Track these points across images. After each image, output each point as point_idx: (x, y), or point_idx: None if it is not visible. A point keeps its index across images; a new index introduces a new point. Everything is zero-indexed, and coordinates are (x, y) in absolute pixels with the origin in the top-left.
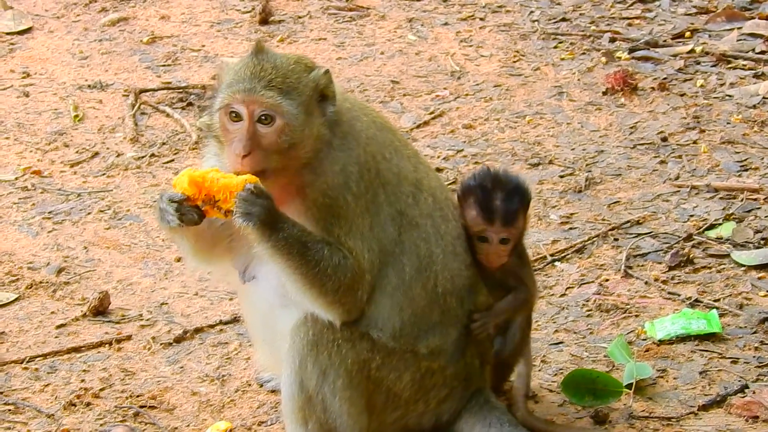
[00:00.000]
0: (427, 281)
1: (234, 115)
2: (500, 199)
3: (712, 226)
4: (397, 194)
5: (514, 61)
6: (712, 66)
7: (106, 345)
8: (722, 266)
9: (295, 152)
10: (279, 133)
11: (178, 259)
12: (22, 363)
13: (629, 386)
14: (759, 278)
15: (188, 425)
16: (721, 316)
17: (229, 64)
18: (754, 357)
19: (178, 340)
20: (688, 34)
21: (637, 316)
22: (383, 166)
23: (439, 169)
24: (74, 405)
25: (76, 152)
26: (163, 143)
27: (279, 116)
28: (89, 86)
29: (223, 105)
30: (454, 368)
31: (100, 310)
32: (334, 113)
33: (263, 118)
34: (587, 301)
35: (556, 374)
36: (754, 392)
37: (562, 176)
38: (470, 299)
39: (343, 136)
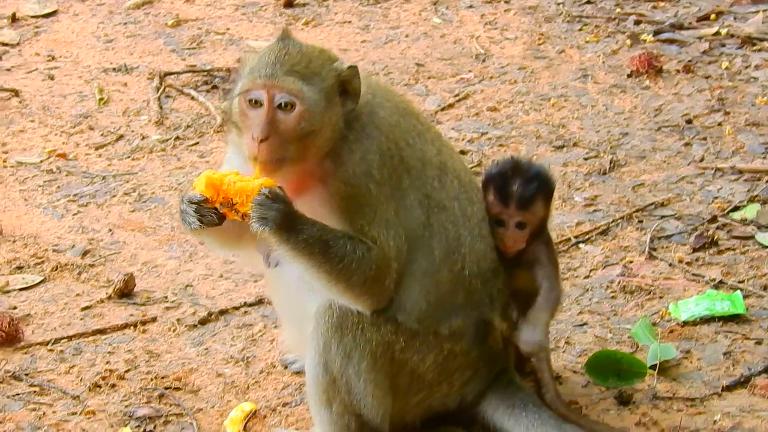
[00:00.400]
0: (455, 264)
1: (253, 101)
2: (518, 183)
3: (736, 208)
4: (423, 179)
5: (539, 44)
6: (737, 48)
7: (131, 327)
8: (746, 248)
9: (313, 141)
10: (298, 119)
11: (203, 242)
12: (47, 345)
13: (653, 367)
14: None
15: (213, 406)
16: (745, 297)
17: (254, 50)
18: None
19: (203, 321)
20: (713, 16)
21: (661, 297)
22: (407, 153)
23: (463, 152)
24: (99, 386)
25: (101, 135)
26: (188, 126)
27: (299, 102)
28: (114, 69)
29: (244, 90)
30: (477, 351)
31: (125, 293)
32: (361, 101)
33: (283, 104)
34: (611, 282)
35: (580, 355)
36: None
37: (586, 158)
38: (494, 281)
39: (365, 125)
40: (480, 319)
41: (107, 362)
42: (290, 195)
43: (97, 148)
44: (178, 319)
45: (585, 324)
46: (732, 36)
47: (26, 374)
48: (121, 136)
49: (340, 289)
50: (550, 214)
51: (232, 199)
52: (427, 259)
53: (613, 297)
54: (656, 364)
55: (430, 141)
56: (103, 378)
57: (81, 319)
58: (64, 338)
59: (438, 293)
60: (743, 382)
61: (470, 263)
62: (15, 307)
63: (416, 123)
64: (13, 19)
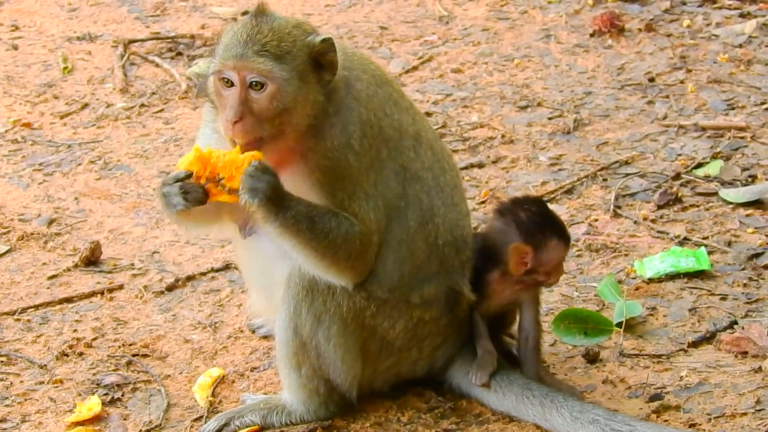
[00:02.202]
0: (429, 234)
1: (226, 80)
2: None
3: (699, 165)
4: (399, 149)
5: (502, 5)
6: (698, 6)
7: (98, 295)
8: (710, 204)
9: (288, 118)
10: (270, 98)
11: (180, 226)
12: (14, 314)
13: (619, 324)
14: (747, 215)
15: (181, 373)
16: (709, 253)
17: (221, 17)
18: (742, 293)
19: (170, 288)
20: None
21: (626, 255)
22: (385, 123)
23: (428, 114)
24: (67, 355)
25: (66, 104)
26: (153, 93)
27: (270, 82)
28: (78, 38)
29: (216, 70)
30: (447, 318)
31: (92, 260)
32: (337, 73)
33: (254, 84)
34: (577, 241)
35: (546, 314)
36: (743, 328)
37: (550, 118)
38: (465, 249)
39: (343, 97)
40: (450, 288)
41: (74, 330)
42: (278, 169)
43: (62, 117)
44: (145, 286)
45: None
46: None
47: None
48: (85, 105)
49: (326, 264)
50: None
51: (219, 174)
52: (402, 229)
53: (578, 255)
54: (622, 322)
55: (405, 109)
56: (71, 346)
57: (48, 288)
58: (30, 307)
59: (413, 263)
60: (709, 338)
61: (444, 232)
62: None
63: (392, 91)
64: None
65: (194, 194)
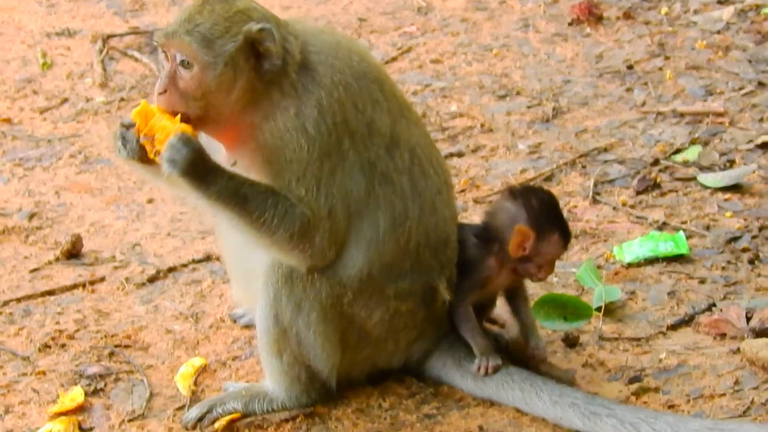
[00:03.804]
0: (401, 236)
1: (165, 53)
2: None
3: (678, 151)
4: (367, 144)
5: None
6: None
7: (80, 287)
8: (689, 189)
9: (213, 101)
10: (194, 79)
11: (150, 201)
12: None
13: (599, 309)
14: (725, 200)
15: (163, 363)
16: (688, 237)
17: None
18: (721, 276)
19: (152, 279)
20: None
21: (605, 240)
22: (351, 115)
23: None
24: (49, 347)
25: (46, 99)
26: (132, 87)
27: (195, 63)
28: (57, 33)
29: (154, 43)
30: (423, 312)
31: (73, 253)
32: (279, 62)
33: (183, 62)
34: None
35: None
36: (721, 310)
37: (529, 107)
38: (444, 251)
39: (298, 81)
40: (427, 283)
41: (57, 323)
42: (227, 147)
43: (41, 112)
44: (126, 278)
45: None
46: None
47: None
48: (65, 100)
49: (267, 243)
50: None
51: (155, 134)
52: (371, 229)
53: None
54: (602, 306)
55: (386, 111)
56: (53, 338)
57: (29, 281)
58: (12, 300)
59: (382, 261)
60: (687, 321)
61: (417, 236)
62: None
63: (374, 89)
64: None
65: (130, 146)
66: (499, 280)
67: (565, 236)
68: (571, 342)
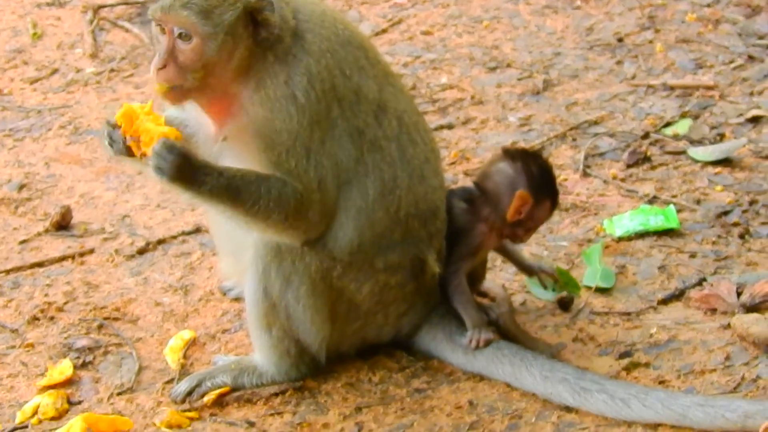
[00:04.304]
0: (390, 205)
1: (161, 28)
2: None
3: (668, 124)
4: (355, 111)
5: None
6: None
7: (69, 259)
8: (679, 163)
9: (213, 70)
10: (194, 50)
11: (140, 172)
12: None
13: (588, 287)
14: (715, 173)
15: (152, 335)
16: (678, 211)
17: None
18: (711, 251)
19: (141, 251)
20: None
21: (596, 214)
22: (339, 81)
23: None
24: (38, 319)
25: (36, 69)
26: (123, 58)
27: (195, 35)
28: (47, 4)
29: (149, 18)
30: (413, 285)
31: (63, 225)
32: (277, 31)
33: (182, 34)
34: None
35: (516, 274)
36: (711, 285)
37: (520, 79)
38: (433, 221)
39: (289, 49)
40: (416, 256)
41: (45, 295)
42: (217, 121)
43: (31, 83)
44: (116, 250)
45: None
46: None
47: None
48: (55, 70)
49: (261, 227)
50: None
51: (141, 136)
52: (361, 197)
53: None
54: (592, 287)
55: (372, 77)
56: (42, 311)
57: (18, 252)
58: (1, 272)
59: (373, 231)
60: (678, 296)
61: (407, 205)
62: None
63: (360, 56)
64: None
65: (117, 145)
66: (488, 245)
67: (556, 203)
68: (565, 304)
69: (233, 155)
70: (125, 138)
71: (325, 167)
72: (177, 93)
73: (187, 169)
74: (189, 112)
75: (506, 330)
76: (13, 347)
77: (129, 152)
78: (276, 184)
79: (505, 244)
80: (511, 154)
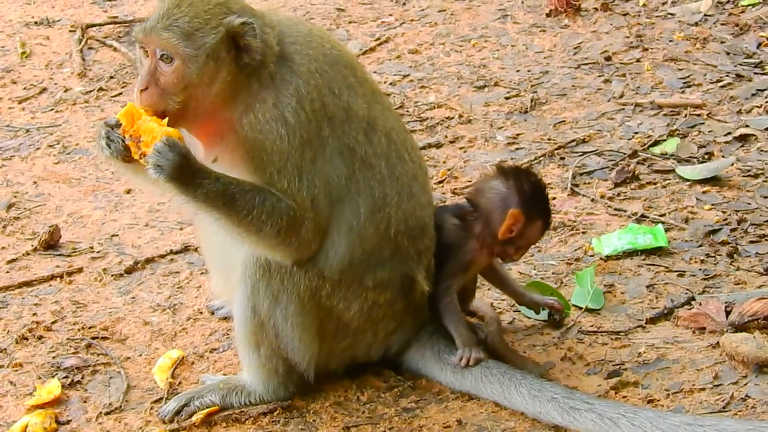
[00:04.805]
0: (381, 222)
1: (144, 50)
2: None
3: (656, 143)
4: (345, 129)
5: None
6: None
7: (58, 278)
8: (667, 181)
9: (194, 94)
10: (175, 73)
11: (128, 191)
12: None
13: (577, 306)
14: (703, 192)
15: (140, 355)
16: (666, 230)
17: None
18: (699, 269)
19: (129, 270)
20: None
21: (584, 232)
22: (329, 100)
23: (386, 94)
24: (26, 339)
25: (24, 88)
26: (111, 77)
27: (176, 57)
28: (36, 23)
29: (133, 40)
30: (402, 303)
31: (51, 244)
32: (259, 57)
33: (164, 56)
34: None
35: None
36: (700, 304)
37: (507, 98)
38: (422, 238)
39: (276, 72)
40: (405, 273)
41: (34, 314)
42: (206, 144)
43: (20, 102)
44: (104, 269)
45: None
46: None
47: None
48: (44, 89)
49: (253, 240)
50: None
51: (141, 136)
52: (353, 214)
53: None
54: (582, 307)
55: (361, 95)
56: (30, 330)
57: (7, 272)
58: None
59: (363, 249)
60: (666, 314)
61: (397, 222)
62: None
63: (348, 75)
64: None
65: (116, 145)
66: (479, 262)
67: (548, 224)
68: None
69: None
70: (124, 137)
71: (317, 186)
72: (159, 116)
73: (186, 170)
74: (181, 132)
75: (495, 349)
76: (1, 366)
77: (126, 153)
78: (271, 198)
79: (495, 272)
80: (505, 171)
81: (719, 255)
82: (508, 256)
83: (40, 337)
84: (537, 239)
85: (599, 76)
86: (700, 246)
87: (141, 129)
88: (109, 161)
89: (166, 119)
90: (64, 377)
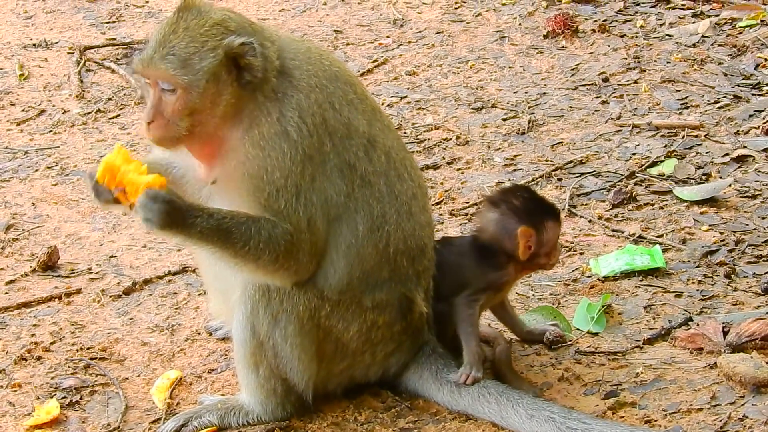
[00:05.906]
0: (379, 241)
1: (145, 80)
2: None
3: (654, 164)
4: (346, 145)
5: (456, 8)
6: (651, 6)
7: (56, 299)
8: (665, 202)
9: (200, 118)
10: (180, 101)
11: (126, 213)
12: None
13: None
14: (701, 213)
15: (139, 375)
16: (664, 251)
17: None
18: (697, 290)
19: (128, 291)
20: None
21: (581, 253)
22: (330, 114)
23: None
24: (25, 359)
25: (23, 110)
26: (109, 99)
27: (177, 87)
28: (34, 45)
29: (133, 72)
30: (400, 324)
31: (49, 265)
32: (260, 74)
33: (166, 86)
34: None
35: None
36: (697, 324)
37: (505, 119)
38: (421, 259)
39: (277, 87)
40: (404, 294)
41: (32, 335)
42: (207, 164)
43: (18, 124)
44: (102, 290)
45: None
46: None
47: None
48: (42, 111)
49: (251, 269)
50: None
51: (125, 188)
52: (351, 233)
53: None
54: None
55: (361, 111)
56: (29, 351)
57: (5, 293)
58: None
59: (362, 268)
60: (664, 335)
61: (395, 241)
62: None
63: (348, 91)
64: None
65: (104, 196)
66: (513, 281)
67: (557, 217)
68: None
69: (222, 198)
70: (112, 190)
71: (314, 205)
72: (168, 141)
73: (175, 215)
74: (177, 154)
75: (500, 365)
76: (0, 387)
77: (116, 201)
78: (266, 225)
79: (505, 308)
80: (492, 200)
81: (717, 276)
82: (543, 266)
83: (39, 358)
84: (558, 234)
85: (597, 97)
86: (698, 267)
87: (124, 181)
88: (104, 208)
89: (145, 167)
90: (63, 398)
